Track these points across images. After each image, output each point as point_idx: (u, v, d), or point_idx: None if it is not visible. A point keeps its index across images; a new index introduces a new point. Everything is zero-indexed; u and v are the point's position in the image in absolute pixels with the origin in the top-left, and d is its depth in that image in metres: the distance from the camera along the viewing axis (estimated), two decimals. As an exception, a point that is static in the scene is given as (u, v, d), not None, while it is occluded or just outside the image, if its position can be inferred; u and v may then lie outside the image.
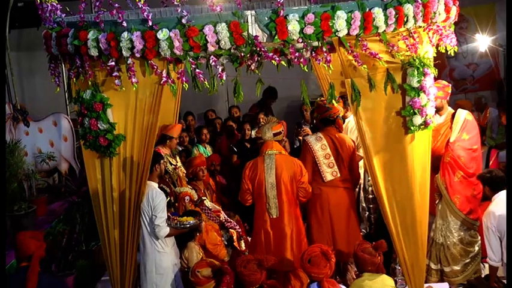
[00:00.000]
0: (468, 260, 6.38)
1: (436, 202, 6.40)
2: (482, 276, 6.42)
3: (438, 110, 6.28)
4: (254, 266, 4.77)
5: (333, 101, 6.06)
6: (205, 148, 8.22)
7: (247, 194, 6.04)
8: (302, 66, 4.73)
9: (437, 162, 6.23)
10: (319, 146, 6.22)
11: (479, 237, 6.32)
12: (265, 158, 5.97)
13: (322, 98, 6.68)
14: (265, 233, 5.99)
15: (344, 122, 7.01)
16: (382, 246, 5.02)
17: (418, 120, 4.97)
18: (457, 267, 6.37)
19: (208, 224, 6.31)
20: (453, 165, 6.27)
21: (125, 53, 4.62)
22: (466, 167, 6.26)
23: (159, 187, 5.63)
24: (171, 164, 6.77)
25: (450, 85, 6.56)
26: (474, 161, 6.33)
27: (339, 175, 6.21)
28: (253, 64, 4.74)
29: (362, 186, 7.22)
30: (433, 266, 6.41)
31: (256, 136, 6.27)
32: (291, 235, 5.92)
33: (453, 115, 6.44)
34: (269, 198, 5.91)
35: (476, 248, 6.38)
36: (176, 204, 6.60)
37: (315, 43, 4.65)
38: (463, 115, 6.36)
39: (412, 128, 5.02)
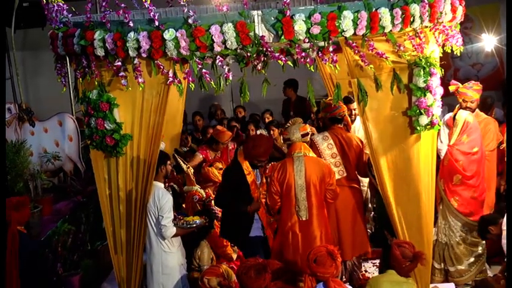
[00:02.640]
0: (472, 260, 6.38)
1: (438, 202, 6.39)
2: (490, 276, 6.40)
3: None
4: (254, 273, 4.72)
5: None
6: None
7: (276, 196, 5.90)
8: (308, 66, 4.73)
9: None
10: (326, 145, 6.21)
11: None
12: (294, 160, 5.84)
13: (329, 98, 6.65)
14: (293, 235, 5.85)
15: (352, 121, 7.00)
16: (420, 258, 4.82)
17: (424, 120, 4.98)
18: (461, 267, 6.37)
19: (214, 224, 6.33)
20: (451, 169, 6.26)
21: (132, 53, 4.63)
22: (464, 170, 6.25)
23: (169, 186, 5.64)
24: (184, 163, 6.81)
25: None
26: (474, 163, 6.30)
27: (345, 174, 6.18)
28: (260, 64, 4.75)
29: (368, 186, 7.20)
30: (436, 265, 6.40)
31: (284, 137, 6.19)
32: (320, 237, 5.81)
33: (454, 116, 6.45)
34: (299, 201, 5.79)
35: (480, 248, 6.37)
36: (183, 204, 6.61)
37: (321, 43, 4.65)
38: (464, 117, 6.36)
39: (418, 128, 5.02)
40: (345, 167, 6.18)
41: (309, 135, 6.08)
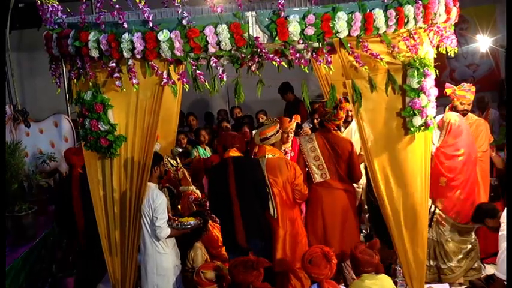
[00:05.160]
0: (461, 256, 6.44)
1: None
2: (482, 276, 6.42)
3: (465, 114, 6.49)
4: (242, 267, 4.81)
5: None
6: (205, 149, 8.21)
7: None
8: (303, 67, 4.73)
9: None
10: (309, 147, 6.18)
11: (473, 236, 6.38)
12: (260, 163, 5.89)
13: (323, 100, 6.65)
14: None
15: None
16: (376, 245, 4.99)
17: (418, 121, 4.98)
18: (451, 264, 6.42)
19: (209, 224, 6.32)
20: (437, 171, 6.28)
21: (126, 54, 4.62)
22: (448, 173, 6.29)
23: (165, 187, 5.64)
24: (172, 165, 6.78)
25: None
26: (460, 165, 6.31)
27: (328, 177, 6.13)
28: (254, 65, 4.74)
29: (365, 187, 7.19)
30: (427, 262, 6.43)
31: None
32: (284, 236, 5.84)
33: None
34: None
35: (469, 245, 6.43)
36: (179, 205, 6.59)
37: (316, 44, 4.64)
38: (449, 118, 6.37)
39: (412, 128, 5.02)
40: (331, 170, 6.14)
41: (270, 140, 6.05)
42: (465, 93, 6.45)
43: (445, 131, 6.34)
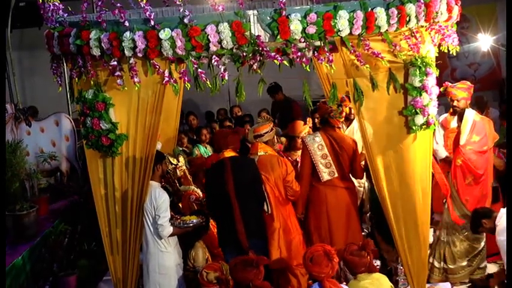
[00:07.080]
0: (472, 255, 6.46)
1: (444, 200, 6.41)
2: (486, 274, 6.44)
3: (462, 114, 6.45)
4: (241, 266, 4.83)
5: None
6: (206, 148, 8.21)
7: None
8: (304, 65, 4.73)
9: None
10: (316, 146, 6.18)
11: (485, 234, 6.36)
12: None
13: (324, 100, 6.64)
14: None
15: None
16: (369, 245, 4.94)
17: (419, 119, 4.98)
18: (463, 263, 6.43)
19: (210, 224, 6.32)
20: (465, 169, 6.30)
21: (127, 53, 4.62)
22: (476, 168, 6.31)
23: (162, 186, 5.63)
24: (171, 163, 6.77)
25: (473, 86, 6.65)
26: (485, 162, 6.35)
27: (336, 175, 6.14)
28: (255, 64, 4.74)
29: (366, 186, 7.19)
30: (436, 264, 6.44)
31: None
32: (278, 230, 5.87)
33: (460, 116, 6.45)
34: None
35: (482, 244, 6.43)
36: (180, 203, 6.59)
37: (317, 43, 4.65)
38: (471, 116, 6.37)
39: (414, 127, 5.02)
40: (337, 168, 6.14)
41: (263, 137, 6.11)
42: (451, 89, 6.46)
43: (469, 129, 6.34)
